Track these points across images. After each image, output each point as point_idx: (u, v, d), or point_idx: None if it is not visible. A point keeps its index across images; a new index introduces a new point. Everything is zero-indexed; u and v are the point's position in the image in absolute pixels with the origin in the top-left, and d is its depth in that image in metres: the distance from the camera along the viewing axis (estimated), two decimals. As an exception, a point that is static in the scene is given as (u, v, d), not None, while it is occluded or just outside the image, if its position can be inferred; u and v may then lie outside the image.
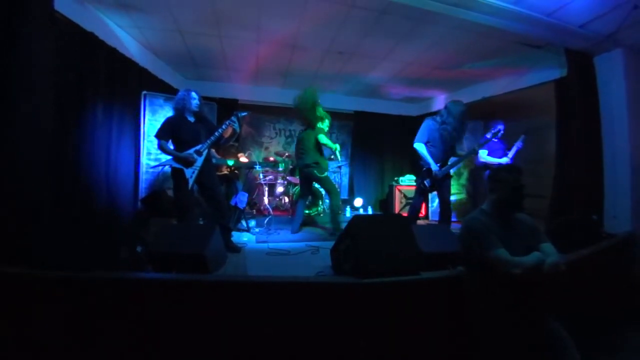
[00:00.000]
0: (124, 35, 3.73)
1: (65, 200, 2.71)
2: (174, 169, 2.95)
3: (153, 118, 4.31)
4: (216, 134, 3.01)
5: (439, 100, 6.31)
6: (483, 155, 4.39)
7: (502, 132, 3.94)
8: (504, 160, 4.24)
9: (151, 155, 4.29)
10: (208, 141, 3.00)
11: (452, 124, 3.25)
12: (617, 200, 3.36)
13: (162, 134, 2.94)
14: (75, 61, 2.89)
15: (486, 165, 4.38)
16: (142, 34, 3.82)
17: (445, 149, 3.37)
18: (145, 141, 4.24)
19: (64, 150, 2.76)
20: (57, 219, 2.19)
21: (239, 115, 3.18)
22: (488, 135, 3.74)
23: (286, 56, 4.43)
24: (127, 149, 3.83)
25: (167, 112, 4.44)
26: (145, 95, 4.22)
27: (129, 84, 3.80)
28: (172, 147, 3.00)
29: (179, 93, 3.08)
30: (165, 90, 4.60)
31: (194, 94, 3.05)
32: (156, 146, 3.10)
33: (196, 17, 3.41)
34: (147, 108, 4.26)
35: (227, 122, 3.07)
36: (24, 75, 2.10)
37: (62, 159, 2.73)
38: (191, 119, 3.06)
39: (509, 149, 4.27)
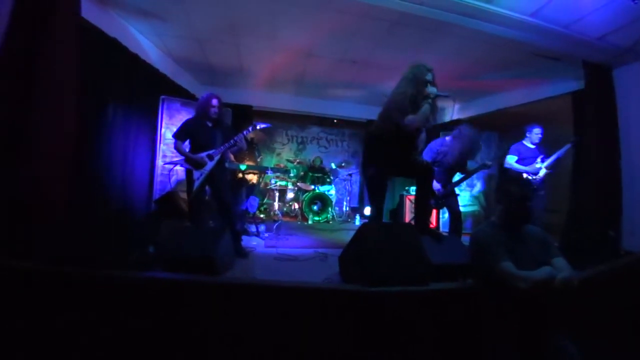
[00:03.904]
0: (145, 42, 3.85)
1: (82, 199, 2.78)
2: (186, 170, 3.11)
3: (170, 122, 4.41)
4: (231, 141, 3.07)
5: (453, 111, 6.26)
6: (511, 160, 3.81)
7: (541, 136, 3.74)
8: (537, 166, 3.65)
9: (166, 158, 4.38)
10: (222, 147, 3.07)
11: (457, 149, 3.19)
12: (636, 217, 3.25)
13: (179, 135, 3.09)
14: (99, 65, 3.00)
15: (507, 173, 3.91)
16: (162, 41, 3.95)
17: (449, 169, 3.36)
18: (162, 144, 4.35)
19: (82, 150, 2.83)
20: (72, 218, 2.26)
21: (258, 127, 3.19)
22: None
23: (301, 64, 4.50)
24: (144, 151, 3.93)
25: (183, 116, 4.53)
26: (163, 100, 4.34)
27: (148, 88, 3.92)
28: (187, 148, 3.12)
29: (201, 97, 3.15)
30: (182, 94, 4.71)
31: (214, 101, 3.09)
32: (172, 146, 3.21)
33: (214, 26, 3.51)
34: (164, 112, 4.38)
35: (244, 132, 3.12)
36: (49, 77, 2.19)
37: (81, 159, 2.80)
38: (209, 124, 3.14)
39: (548, 156, 3.69)
